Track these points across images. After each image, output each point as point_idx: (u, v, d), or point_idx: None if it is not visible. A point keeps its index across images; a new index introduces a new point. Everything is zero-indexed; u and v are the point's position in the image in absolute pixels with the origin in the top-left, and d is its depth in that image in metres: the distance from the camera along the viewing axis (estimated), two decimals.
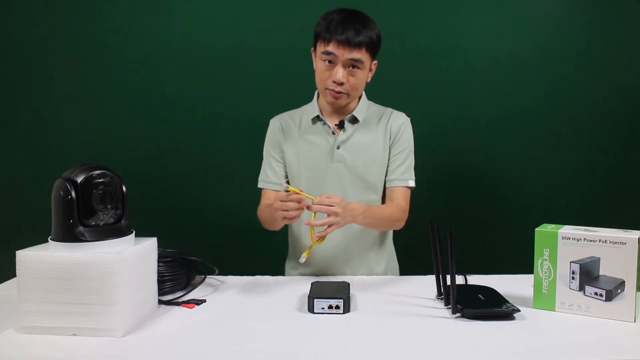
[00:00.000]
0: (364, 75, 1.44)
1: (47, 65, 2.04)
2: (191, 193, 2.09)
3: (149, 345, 0.98)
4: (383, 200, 1.54)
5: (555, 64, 2.04)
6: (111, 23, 2.02)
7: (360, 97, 1.53)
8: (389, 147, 1.51)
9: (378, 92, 1.58)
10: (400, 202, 1.49)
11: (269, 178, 1.55)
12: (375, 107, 1.56)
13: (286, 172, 1.56)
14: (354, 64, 1.38)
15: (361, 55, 1.37)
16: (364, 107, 1.52)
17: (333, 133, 1.49)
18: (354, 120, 1.50)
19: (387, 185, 1.52)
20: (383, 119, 1.52)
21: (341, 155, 1.48)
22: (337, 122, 1.50)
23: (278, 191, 1.54)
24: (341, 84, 1.39)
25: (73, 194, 1.01)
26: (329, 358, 0.92)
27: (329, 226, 1.27)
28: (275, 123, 1.57)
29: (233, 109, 2.06)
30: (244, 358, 0.92)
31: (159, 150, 2.08)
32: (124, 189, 1.11)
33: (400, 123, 1.52)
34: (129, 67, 2.04)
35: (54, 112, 2.05)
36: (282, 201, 1.27)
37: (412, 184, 1.51)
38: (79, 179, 1.03)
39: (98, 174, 1.06)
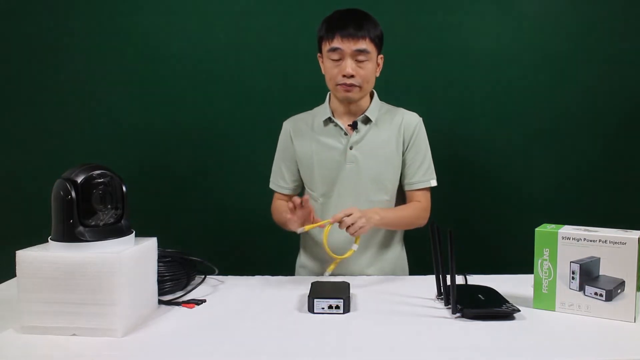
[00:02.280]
0: (373, 67, 1.44)
1: (47, 65, 2.03)
2: (191, 193, 2.09)
3: (149, 345, 0.98)
4: (396, 201, 1.54)
5: (555, 64, 2.04)
6: (111, 23, 2.02)
7: (372, 98, 1.53)
8: (404, 149, 1.52)
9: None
10: (423, 203, 1.52)
11: (279, 182, 1.60)
12: (387, 108, 1.56)
13: (298, 176, 1.58)
14: (360, 56, 1.40)
15: (366, 45, 1.39)
16: (376, 108, 1.52)
17: (345, 134, 1.50)
18: (367, 121, 1.50)
19: (409, 189, 1.53)
20: (396, 120, 1.52)
21: (354, 156, 1.48)
22: (349, 123, 1.50)
23: (286, 195, 1.59)
24: (351, 76, 1.40)
25: (73, 194, 1.01)
26: (329, 358, 0.92)
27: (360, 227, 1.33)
28: (286, 127, 1.58)
29: (233, 108, 2.05)
30: (244, 358, 0.93)
31: (159, 150, 2.07)
32: (124, 189, 1.11)
33: (414, 124, 1.52)
34: (129, 67, 2.04)
35: (54, 112, 2.05)
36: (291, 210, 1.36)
37: (434, 183, 1.53)
38: (79, 179, 1.03)
39: (98, 174, 1.06)
